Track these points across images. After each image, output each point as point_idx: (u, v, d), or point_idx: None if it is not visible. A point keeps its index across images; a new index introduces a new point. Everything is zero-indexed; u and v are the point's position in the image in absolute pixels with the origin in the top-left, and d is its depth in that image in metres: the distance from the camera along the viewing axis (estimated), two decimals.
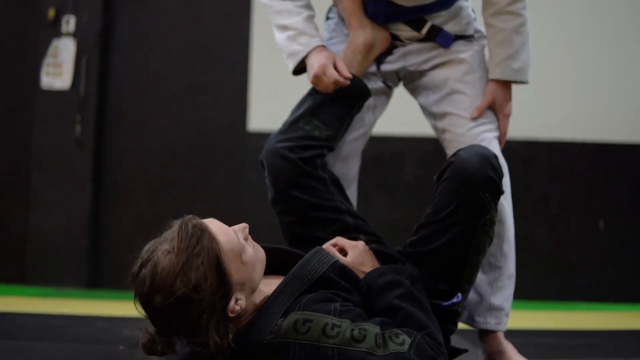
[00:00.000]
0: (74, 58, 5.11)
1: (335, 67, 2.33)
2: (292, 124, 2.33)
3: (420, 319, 1.85)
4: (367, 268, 2.04)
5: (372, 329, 1.74)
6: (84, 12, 5.13)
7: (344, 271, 1.90)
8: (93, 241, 5.14)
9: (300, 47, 2.38)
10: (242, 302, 1.72)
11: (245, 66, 5.12)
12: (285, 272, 1.84)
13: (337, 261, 1.89)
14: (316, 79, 2.32)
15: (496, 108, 2.38)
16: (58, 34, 5.13)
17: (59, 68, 5.10)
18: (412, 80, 2.46)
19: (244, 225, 1.79)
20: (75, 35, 5.13)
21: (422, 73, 2.43)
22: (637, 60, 4.91)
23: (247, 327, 1.73)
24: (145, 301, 1.68)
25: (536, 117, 4.99)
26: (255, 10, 5.10)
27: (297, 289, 1.79)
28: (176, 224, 1.72)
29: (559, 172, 5.04)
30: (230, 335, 1.72)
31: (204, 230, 1.70)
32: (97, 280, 5.12)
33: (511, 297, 2.37)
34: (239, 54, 5.14)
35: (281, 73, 4.87)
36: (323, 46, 2.38)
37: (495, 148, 2.31)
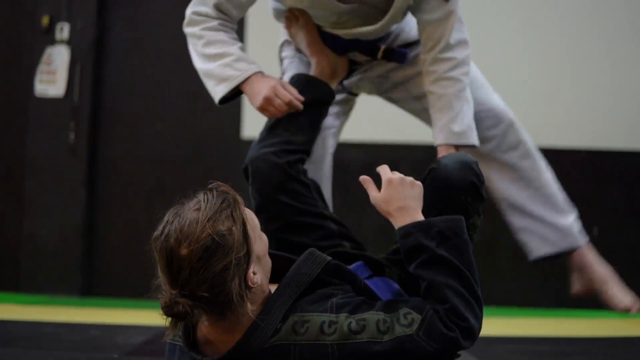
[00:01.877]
0: (67, 65, 5.10)
1: (284, 89, 2.31)
2: (270, 130, 2.35)
3: (440, 294, 1.74)
4: (393, 206, 1.87)
5: (372, 316, 1.71)
6: (77, 20, 5.13)
7: (339, 269, 1.89)
8: (87, 248, 5.13)
9: (237, 72, 2.34)
10: (259, 278, 1.71)
11: None
12: (276, 278, 1.84)
13: (330, 260, 1.88)
14: (266, 101, 2.28)
15: None
16: (52, 41, 5.13)
17: (53, 75, 5.10)
18: (380, 85, 2.58)
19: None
20: (69, 42, 5.13)
21: (387, 75, 2.55)
22: (631, 67, 4.93)
23: (247, 333, 1.71)
24: (169, 255, 1.64)
25: (530, 125, 4.97)
26: (250, 17, 5.11)
27: (294, 292, 1.78)
28: (201, 192, 1.74)
29: None
30: (227, 343, 1.71)
31: (230, 194, 1.74)
32: (91, 288, 5.11)
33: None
34: None
35: None
36: (263, 72, 2.36)
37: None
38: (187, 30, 2.41)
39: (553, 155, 5.05)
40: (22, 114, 5.17)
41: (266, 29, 5.25)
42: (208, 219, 1.66)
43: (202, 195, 1.73)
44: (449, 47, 2.39)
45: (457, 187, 2.01)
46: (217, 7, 2.35)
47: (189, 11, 2.41)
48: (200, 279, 1.63)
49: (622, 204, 4.96)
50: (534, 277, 4.93)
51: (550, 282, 4.92)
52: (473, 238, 2.05)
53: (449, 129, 2.40)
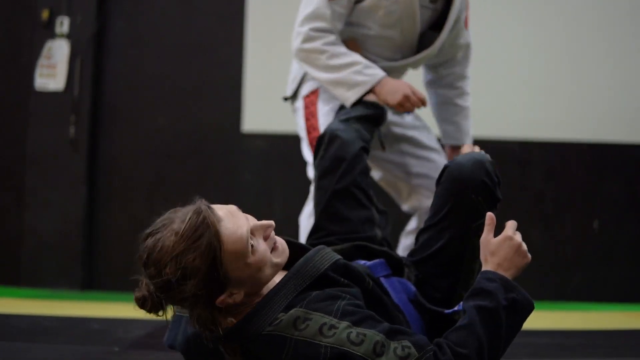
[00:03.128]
0: (67, 59, 5.10)
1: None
2: (343, 121, 2.49)
3: (469, 339, 1.71)
4: (494, 258, 1.87)
5: (372, 335, 1.69)
6: (77, 14, 5.12)
7: (347, 269, 1.90)
8: (88, 242, 5.13)
9: (368, 78, 2.61)
10: (238, 297, 1.74)
11: (240, 67, 5.12)
12: (287, 266, 1.85)
13: (339, 259, 1.89)
14: (405, 98, 2.60)
15: None
16: (52, 35, 5.12)
17: (53, 69, 5.10)
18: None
19: (268, 223, 1.78)
20: (69, 36, 5.12)
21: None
22: (631, 60, 4.92)
23: (247, 317, 1.74)
24: (143, 265, 1.73)
25: (531, 118, 5.00)
26: (249, 11, 5.10)
27: (299, 285, 1.79)
28: (192, 207, 1.73)
29: (553, 172, 5.04)
30: (228, 323, 1.74)
31: (211, 227, 1.69)
32: (91, 282, 5.12)
33: None
34: (233, 55, 5.14)
35: (275, 74, 4.90)
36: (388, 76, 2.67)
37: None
38: (306, 46, 2.63)
39: (554, 148, 5.07)
40: (22, 108, 5.16)
41: (266, 28, 5.29)
42: (176, 255, 1.68)
43: (187, 217, 1.71)
44: (468, 61, 2.97)
45: (468, 186, 2.02)
46: (332, 19, 2.62)
47: (304, 28, 2.63)
48: (163, 296, 1.73)
49: (623, 197, 4.96)
50: (533, 271, 4.91)
51: (550, 275, 4.93)
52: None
53: (469, 133, 3.00)
